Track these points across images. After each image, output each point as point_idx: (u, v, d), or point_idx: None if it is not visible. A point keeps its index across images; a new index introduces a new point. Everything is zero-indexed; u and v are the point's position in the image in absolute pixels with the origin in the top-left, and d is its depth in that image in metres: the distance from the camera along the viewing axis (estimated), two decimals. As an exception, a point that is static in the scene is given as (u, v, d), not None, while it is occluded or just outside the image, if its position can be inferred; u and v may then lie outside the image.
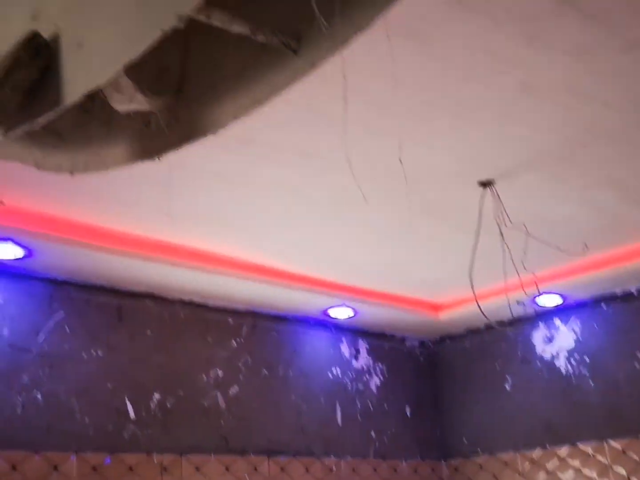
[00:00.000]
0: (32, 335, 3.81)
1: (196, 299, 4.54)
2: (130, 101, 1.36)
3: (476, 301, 3.78)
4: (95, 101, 1.69)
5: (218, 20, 1.22)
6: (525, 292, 4.01)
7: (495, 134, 3.00)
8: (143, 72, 1.44)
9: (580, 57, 2.52)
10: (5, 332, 3.72)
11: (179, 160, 3.15)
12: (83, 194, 3.39)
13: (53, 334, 3.88)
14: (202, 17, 1.21)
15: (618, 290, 4.88)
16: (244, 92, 1.35)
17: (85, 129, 1.71)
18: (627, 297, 4.88)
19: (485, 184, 3.43)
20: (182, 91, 1.48)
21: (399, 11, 2.23)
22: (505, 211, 3.50)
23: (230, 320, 4.69)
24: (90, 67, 1.24)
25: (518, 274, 3.73)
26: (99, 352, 4.02)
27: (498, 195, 3.46)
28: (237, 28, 1.24)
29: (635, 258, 4.39)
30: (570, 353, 5.09)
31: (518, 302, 4.58)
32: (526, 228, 3.61)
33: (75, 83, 1.26)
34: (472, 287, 3.64)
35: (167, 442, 4.14)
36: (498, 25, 2.31)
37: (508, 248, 3.61)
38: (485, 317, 3.81)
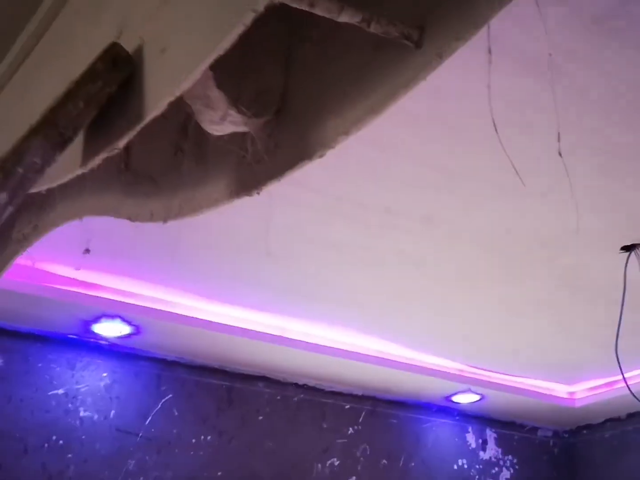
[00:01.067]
0: (139, 418, 3.66)
1: (311, 382, 4.29)
2: (223, 118, 1.15)
3: (626, 384, 3.35)
4: (187, 138, 1.52)
5: (324, 8, 1.01)
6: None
7: (642, 188, 2.66)
8: (241, 94, 1.24)
9: None
10: (112, 414, 3.59)
11: (289, 229, 2.97)
12: (197, 271, 3.25)
13: (161, 417, 3.71)
14: (304, 6, 1.00)
15: None
16: (356, 102, 1.12)
17: (179, 170, 1.53)
18: None
19: (630, 248, 3.06)
20: (283, 113, 1.27)
21: (528, 41, 2.00)
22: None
23: (347, 405, 4.41)
24: (172, 70, 1.04)
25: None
26: (208, 438, 3.83)
27: (644, 261, 3.08)
28: (346, 17, 1.02)
29: None
30: None
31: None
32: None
33: (157, 91, 1.06)
34: (620, 367, 3.23)
35: (280, 537, 3.87)
36: (646, 53, 2.02)
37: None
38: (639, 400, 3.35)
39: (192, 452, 3.75)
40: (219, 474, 3.80)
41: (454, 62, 1.05)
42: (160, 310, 3.41)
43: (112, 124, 1.14)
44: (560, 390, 4.85)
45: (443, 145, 2.45)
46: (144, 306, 3.37)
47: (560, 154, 1.77)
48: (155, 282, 3.36)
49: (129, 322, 3.44)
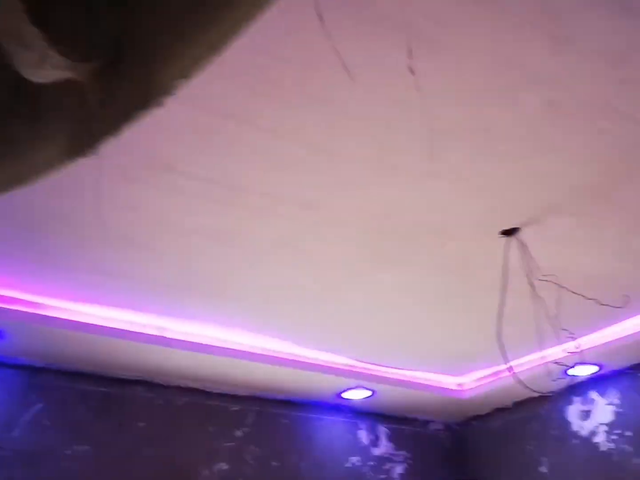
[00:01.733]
0: (4, 430, 3.43)
1: (194, 385, 4.13)
2: (41, 61, 0.99)
3: (511, 372, 3.32)
4: (20, 99, 1.34)
5: None
6: (557, 362, 3.57)
7: (520, 169, 2.62)
8: (69, 35, 1.09)
9: (616, 65, 2.16)
10: (-27, 427, 3.32)
11: (157, 218, 2.77)
12: (61, 266, 3.02)
13: (30, 428, 3.49)
14: None
15: (661, 356, 4.41)
16: (195, 40, 0.98)
17: (9, 135, 1.34)
18: (671, 362, 4.41)
19: (510, 233, 3.03)
20: (121, 60, 1.11)
21: (401, 8, 1.90)
22: (534, 264, 3.09)
23: (233, 407, 4.26)
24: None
25: (557, 338, 3.30)
26: (84, 448, 3.61)
27: (524, 245, 3.06)
28: None
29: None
30: (610, 428, 4.58)
31: (551, 374, 4.11)
32: (558, 282, 3.18)
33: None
34: (505, 355, 3.20)
35: None
36: (517, 26, 1.96)
37: (544, 308, 3.20)
38: (532, 389, 3.32)
39: (65, 464, 3.53)
40: (97, 485, 3.58)
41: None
42: (24, 311, 3.17)
43: None
44: (449, 382, 4.84)
45: (319, 123, 2.34)
46: (6, 308, 3.13)
47: (411, 71, 1.68)
48: (17, 282, 3.12)
49: (-10, 327, 3.19)
